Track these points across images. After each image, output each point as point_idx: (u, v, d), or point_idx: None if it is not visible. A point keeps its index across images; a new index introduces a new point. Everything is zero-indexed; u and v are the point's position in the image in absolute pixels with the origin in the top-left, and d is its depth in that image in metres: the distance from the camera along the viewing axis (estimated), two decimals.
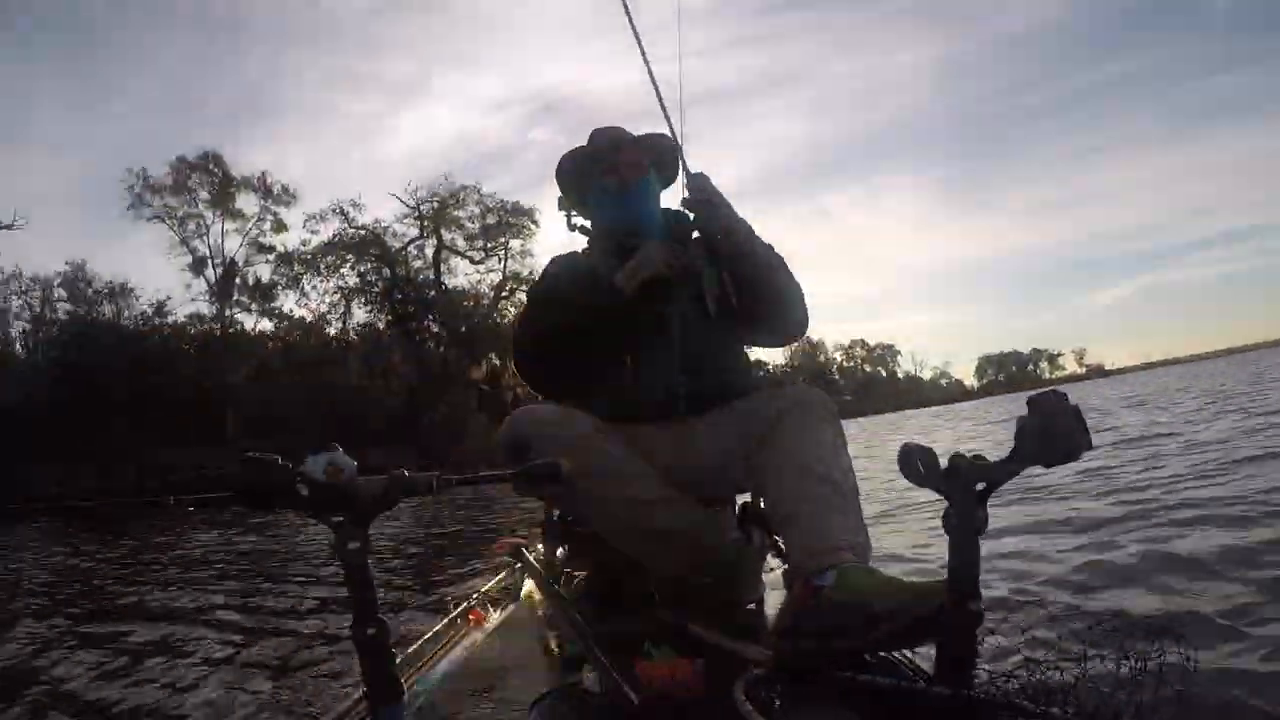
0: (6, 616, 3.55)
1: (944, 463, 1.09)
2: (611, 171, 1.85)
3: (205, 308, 32.41)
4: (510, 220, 33.39)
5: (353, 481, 1.05)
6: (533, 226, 34.01)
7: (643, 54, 1.83)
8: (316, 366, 30.67)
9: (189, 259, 32.36)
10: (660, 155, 1.90)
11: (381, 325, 33.40)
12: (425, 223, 33.11)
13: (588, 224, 2.01)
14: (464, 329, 32.22)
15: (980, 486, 1.07)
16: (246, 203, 33.42)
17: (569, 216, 2.05)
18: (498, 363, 31.66)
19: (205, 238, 32.94)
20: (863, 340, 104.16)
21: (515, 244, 33.99)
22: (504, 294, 33.55)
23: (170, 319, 30.66)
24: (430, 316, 33.05)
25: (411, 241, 33.32)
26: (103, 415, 24.35)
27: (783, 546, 1.52)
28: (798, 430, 1.50)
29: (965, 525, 1.07)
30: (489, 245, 33.84)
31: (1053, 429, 1.00)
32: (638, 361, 1.71)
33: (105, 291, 29.94)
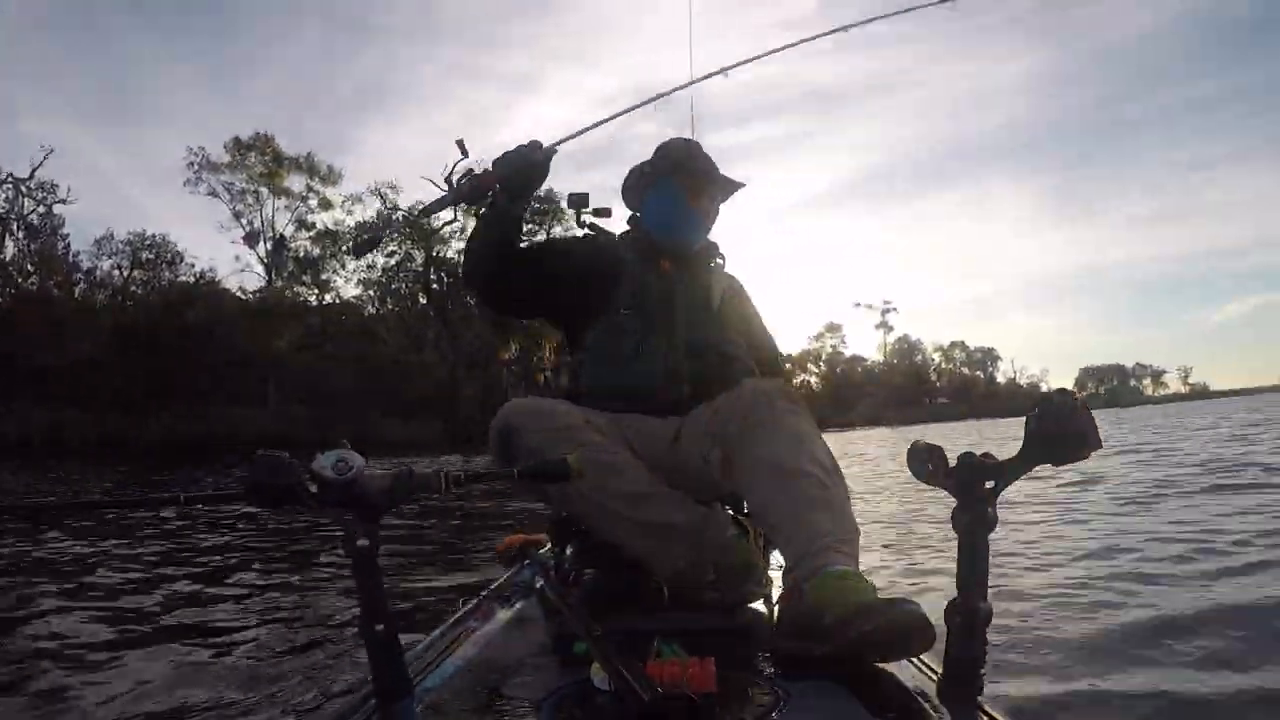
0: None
1: (953, 460, 1.09)
2: (693, 191, 1.94)
3: (255, 279, 35.04)
4: (538, 208, 33.36)
5: (361, 479, 1.06)
6: (564, 212, 33.97)
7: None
8: (356, 339, 32.01)
9: (243, 232, 35.06)
10: (725, 197, 2.03)
11: (422, 303, 34.54)
12: (461, 206, 33.39)
13: (598, 222, 2.04)
14: None
15: (989, 485, 1.06)
16: (297, 182, 36.06)
17: (579, 213, 2.06)
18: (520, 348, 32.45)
19: (260, 212, 35.55)
20: (963, 342, 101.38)
21: (557, 229, 34.05)
22: None
23: (220, 286, 32.72)
24: (467, 297, 33.38)
25: (446, 224, 33.71)
26: (153, 372, 25.82)
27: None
28: (763, 428, 1.49)
29: (974, 524, 1.07)
30: (524, 231, 33.72)
31: (1062, 428, 1.00)
32: (643, 342, 1.78)
33: (165, 259, 31.85)
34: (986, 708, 1.04)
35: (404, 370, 31.42)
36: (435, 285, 33.94)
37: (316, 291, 35.57)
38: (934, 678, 1.13)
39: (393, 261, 34.03)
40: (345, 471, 1.05)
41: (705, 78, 2.22)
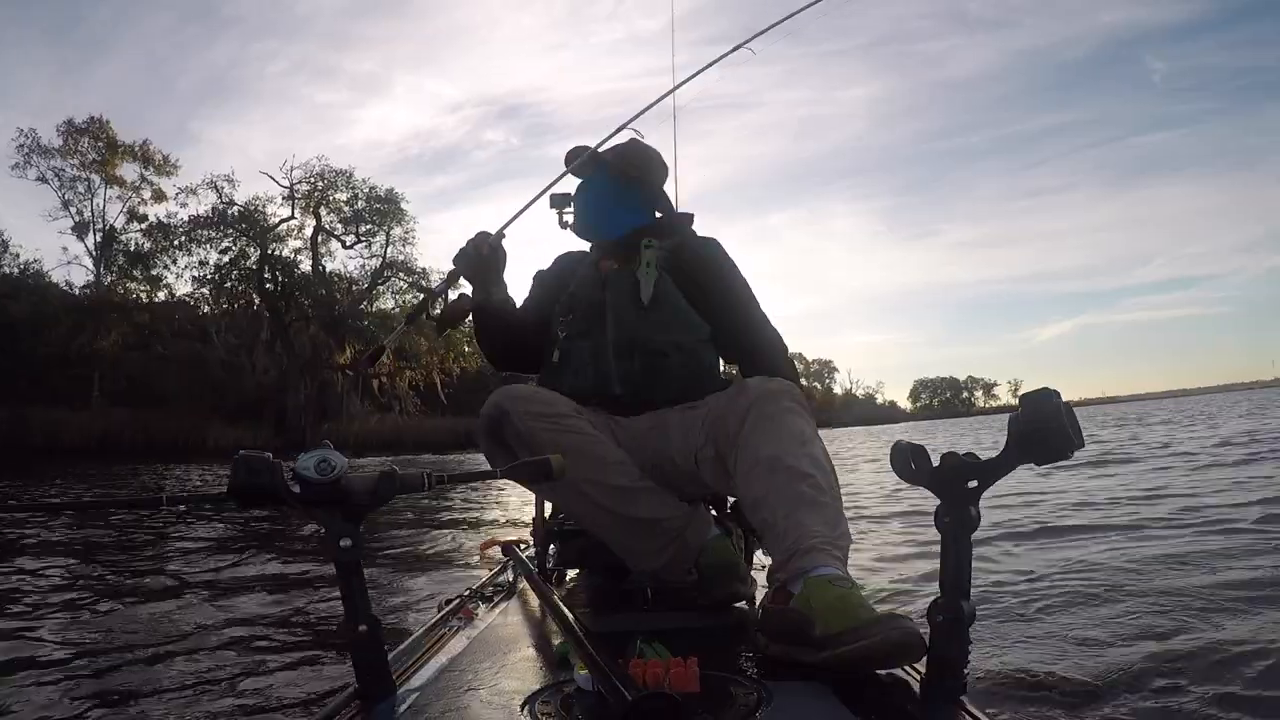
0: None
1: (935, 460, 1.09)
2: (622, 178, 1.91)
3: (83, 273, 32.79)
4: (377, 208, 33.07)
5: (345, 479, 1.05)
6: (406, 215, 33.57)
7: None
8: (186, 339, 30.81)
9: (72, 222, 32.38)
10: (626, 162, 1.92)
11: (254, 303, 33.21)
12: (299, 203, 32.75)
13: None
14: (337, 311, 32.10)
15: (972, 484, 1.07)
16: (130, 171, 33.43)
17: (560, 214, 2.05)
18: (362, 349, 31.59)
19: (90, 202, 32.98)
20: (800, 354, 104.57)
21: (397, 231, 33.54)
22: (380, 281, 33.27)
23: (46, 280, 30.66)
24: (302, 298, 32.74)
25: (284, 221, 32.91)
26: None
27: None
28: (765, 426, 1.48)
29: (957, 524, 1.07)
30: (362, 231, 33.57)
31: (1045, 427, 1.00)
32: (576, 349, 1.79)
33: None
34: (970, 707, 1.05)
35: (235, 372, 30.31)
36: (269, 285, 32.47)
37: (147, 288, 33.56)
38: (917, 677, 1.14)
39: (226, 259, 32.44)
40: (328, 472, 1.04)
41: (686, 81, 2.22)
